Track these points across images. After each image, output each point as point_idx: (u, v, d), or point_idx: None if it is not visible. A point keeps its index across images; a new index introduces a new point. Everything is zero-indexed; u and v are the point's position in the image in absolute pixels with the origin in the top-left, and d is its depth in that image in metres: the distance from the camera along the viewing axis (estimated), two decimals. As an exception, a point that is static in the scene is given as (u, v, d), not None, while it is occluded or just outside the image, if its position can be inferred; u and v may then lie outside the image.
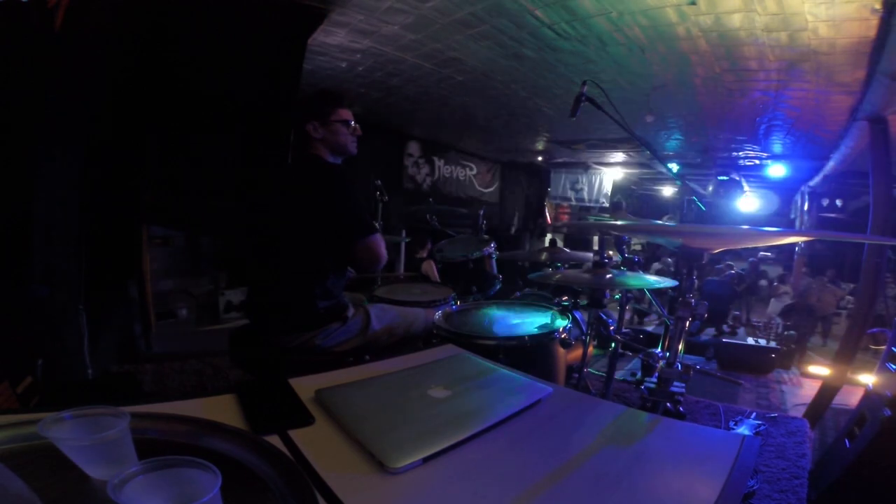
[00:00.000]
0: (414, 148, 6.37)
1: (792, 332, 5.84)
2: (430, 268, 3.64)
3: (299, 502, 0.55)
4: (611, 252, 2.00)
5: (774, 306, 6.89)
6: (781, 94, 3.54)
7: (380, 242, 1.55)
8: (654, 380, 1.30)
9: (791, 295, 6.93)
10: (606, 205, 7.91)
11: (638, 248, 6.61)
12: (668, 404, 1.26)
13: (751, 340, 5.59)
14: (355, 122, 1.64)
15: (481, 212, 2.78)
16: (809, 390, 3.75)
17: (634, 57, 3.08)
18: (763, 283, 8.15)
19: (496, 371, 1.05)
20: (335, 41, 3.09)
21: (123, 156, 2.64)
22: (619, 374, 2.19)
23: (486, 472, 0.69)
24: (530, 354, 1.56)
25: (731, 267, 7.96)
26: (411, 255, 4.02)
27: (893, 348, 1.81)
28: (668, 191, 8.96)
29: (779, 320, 6.37)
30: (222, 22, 2.55)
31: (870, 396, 1.78)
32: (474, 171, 7.49)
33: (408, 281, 2.68)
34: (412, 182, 6.39)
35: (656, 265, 6.84)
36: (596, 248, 1.81)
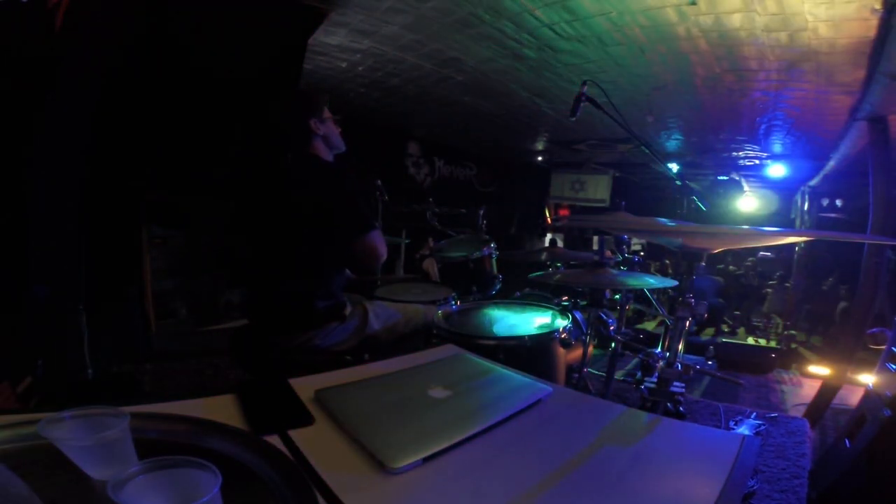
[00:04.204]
0: (414, 148, 6.37)
1: (793, 331, 5.83)
2: (431, 265, 3.64)
3: (299, 502, 0.55)
4: (610, 252, 2.00)
5: (770, 305, 6.88)
6: (781, 94, 3.54)
7: (379, 239, 1.55)
8: (654, 380, 1.30)
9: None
10: (606, 205, 7.91)
11: (638, 247, 6.61)
12: (668, 404, 1.27)
13: (751, 340, 5.59)
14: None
15: (481, 212, 2.78)
16: (809, 390, 3.75)
17: (634, 57, 3.08)
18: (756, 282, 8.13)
19: (496, 371, 1.05)
20: (335, 41, 3.09)
21: (123, 156, 2.64)
22: (618, 374, 2.19)
23: (486, 472, 0.69)
24: (530, 354, 1.57)
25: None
26: (411, 255, 4.02)
27: (893, 348, 1.81)
28: (667, 190, 8.96)
29: (779, 320, 6.36)
30: (222, 22, 2.55)
31: (870, 396, 1.78)
32: (474, 171, 7.49)
33: (408, 281, 2.68)
34: (412, 182, 6.38)
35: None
36: (596, 248, 1.81)
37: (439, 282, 2.68)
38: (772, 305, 6.60)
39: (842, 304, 5.79)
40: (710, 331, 5.75)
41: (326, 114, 1.64)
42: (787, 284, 6.51)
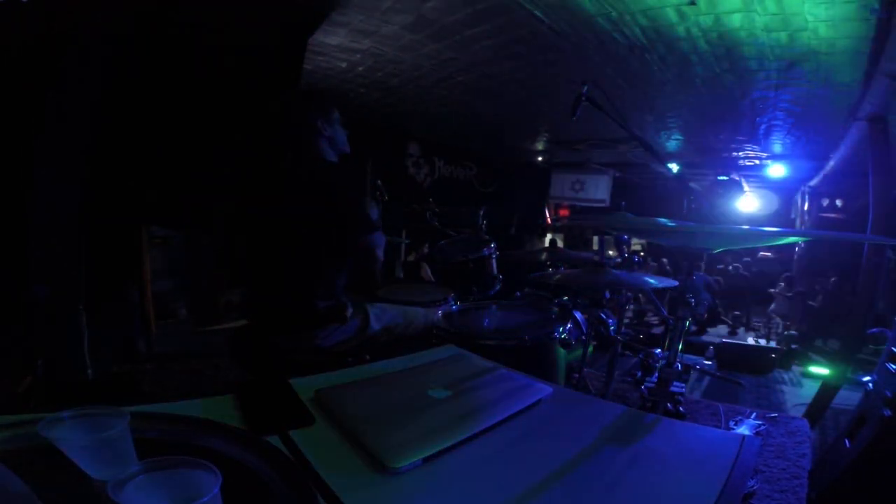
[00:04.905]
0: (414, 148, 6.37)
1: (793, 332, 5.83)
2: (424, 270, 3.66)
3: (299, 502, 0.55)
4: (611, 252, 2.00)
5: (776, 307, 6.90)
6: (781, 94, 3.54)
7: (379, 241, 1.55)
8: (654, 380, 1.30)
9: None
10: (606, 205, 7.91)
11: (638, 247, 6.61)
12: (668, 404, 1.27)
13: (751, 340, 5.59)
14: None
15: (481, 212, 2.78)
16: (809, 390, 3.76)
17: (634, 57, 3.08)
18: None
19: (496, 371, 1.05)
20: (335, 41, 3.09)
21: (123, 155, 2.64)
22: (618, 374, 2.19)
23: (486, 472, 0.69)
24: (530, 354, 1.57)
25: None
26: (408, 257, 4.03)
27: (893, 348, 1.81)
28: (667, 190, 8.96)
29: (779, 320, 6.36)
30: (222, 22, 2.55)
31: (870, 396, 1.78)
32: (474, 171, 7.49)
33: (408, 281, 2.68)
34: (412, 182, 6.39)
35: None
36: (596, 248, 1.81)
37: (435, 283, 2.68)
38: (778, 308, 6.60)
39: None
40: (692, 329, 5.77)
41: (334, 115, 1.64)
42: (799, 290, 6.50)
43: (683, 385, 1.28)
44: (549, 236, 8.50)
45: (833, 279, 6.16)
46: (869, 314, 3.09)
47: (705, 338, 5.43)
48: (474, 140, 6.65)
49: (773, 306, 6.65)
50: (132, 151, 2.69)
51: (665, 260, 6.84)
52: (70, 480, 0.54)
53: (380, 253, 1.56)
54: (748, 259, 8.04)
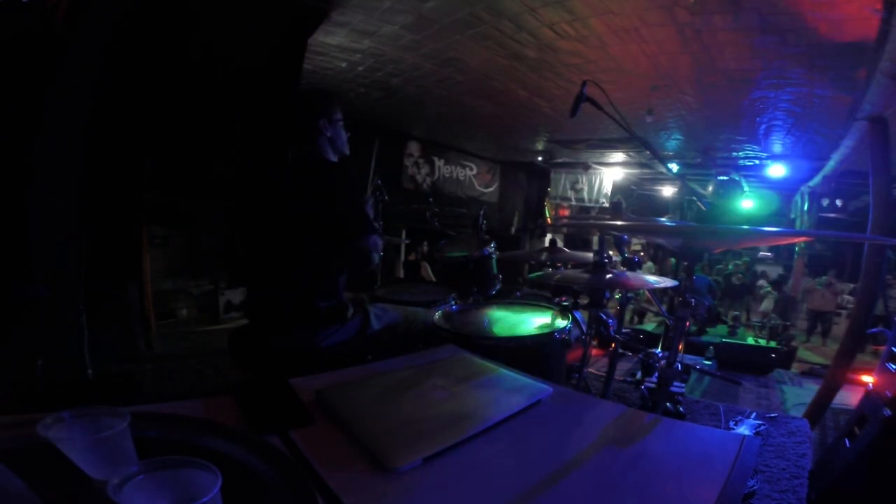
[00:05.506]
0: (414, 148, 6.37)
1: (792, 332, 5.85)
2: (425, 269, 3.66)
3: (299, 502, 0.55)
4: (611, 252, 2.00)
5: (766, 305, 6.94)
6: (781, 94, 3.54)
7: (374, 243, 1.55)
8: (654, 380, 1.30)
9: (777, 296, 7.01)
10: (606, 205, 7.91)
11: (638, 247, 6.62)
12: (668, 404, 1.27)
13: (751, 340, 5.59)
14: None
15: (481, 212, 2.78)
16: (809, 390, 3.76)
17: (634, 57, 3.08)
18: (762, 282, 8.23)
19: (496, 371, 1.05)
20: (335, 41, 3.09)
21: (123, 155, 2.64)
22: (618, 374, 2.19)
23: (486, 472, 0.69)
24: (530, 354, 1.56)
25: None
26: (408, 257, 4.03)
27: (893, 348, 1.81)
28: (668, 191, 8.98)
29: (778, 320, 6.38)
30: (222, 22, 2.55)
31: (870, 396, 1.78)
32: (474, 171, 7.49)
33: (408, 280, 2.68)
34: (412, 182, 6.39)
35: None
36: (596, 248, 1.80)
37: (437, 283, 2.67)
38: (773, 306, 6.62)
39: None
40: (693, 329, 5.79)
41: (337, 116, 1.64)
42: (786, 287, 6.55)
43: (683, 385, 1.28)
44: (549, 236, 8.51)
45: (831, 279, 6.17)
46: (869, 314, 3.09)
47: (705, 338, 5.43)
48: (474, 140, 6.66)
49: (766, 304, 6.68)
50: (132, 151, 2.69)
51: (672, 260, 6.85)
52: (70, 480, 0.54)
53: (375, 257, 1.55)
54: (745, 258, 8.05)
